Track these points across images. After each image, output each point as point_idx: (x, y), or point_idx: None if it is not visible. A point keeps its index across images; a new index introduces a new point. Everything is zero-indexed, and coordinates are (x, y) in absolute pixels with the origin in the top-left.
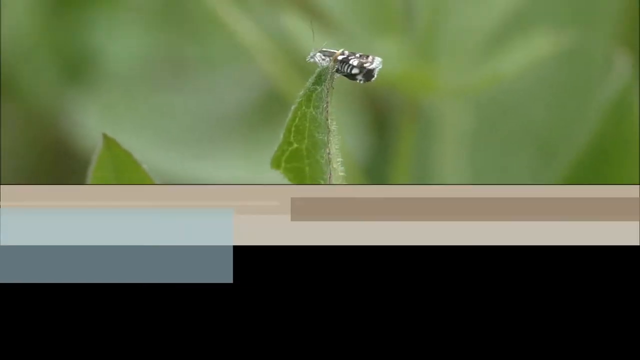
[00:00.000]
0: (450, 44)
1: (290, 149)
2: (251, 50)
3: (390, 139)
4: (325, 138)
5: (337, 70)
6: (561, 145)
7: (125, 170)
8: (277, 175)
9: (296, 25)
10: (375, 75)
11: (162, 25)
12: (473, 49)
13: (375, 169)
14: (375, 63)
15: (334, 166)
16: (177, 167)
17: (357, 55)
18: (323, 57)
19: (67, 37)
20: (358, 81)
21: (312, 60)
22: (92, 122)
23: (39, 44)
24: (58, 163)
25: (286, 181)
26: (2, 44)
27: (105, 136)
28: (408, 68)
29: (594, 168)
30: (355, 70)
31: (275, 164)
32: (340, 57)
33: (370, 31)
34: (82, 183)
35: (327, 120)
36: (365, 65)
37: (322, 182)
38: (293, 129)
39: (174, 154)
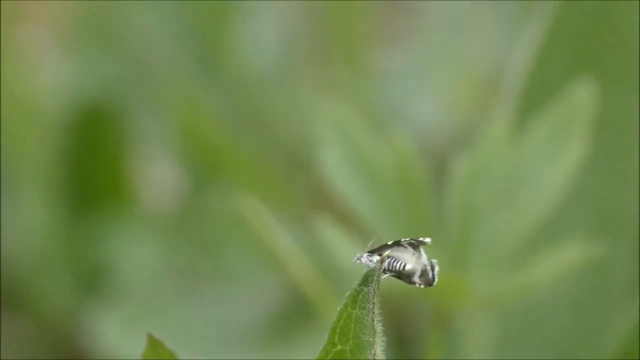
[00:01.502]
0: (482, 253)
1: (334, 349)
2: (279, 259)
3: (414, 350)
4: (371, 339)
5: (384, 272)
6: (585, 359)
7: None
8: None
9: (331, 233)
10: (436, 279)
11: (178, 236)
12: (504, 257)
13: None
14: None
15: None
16: None
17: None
18: (369, 257)
19: (83, 249)
20: (417, 285)
21: (358, 261)
22: (110, 335)
23: (54, 255)
24: None
25: None
26: (17, 256)
27: (150, 336)
28: (441, 276)
29: None
30: (407, 269)
31: None
32: (387, 259)
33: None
34: None
35: (373, 321)
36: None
37: None
38: (338, 329)
39: None
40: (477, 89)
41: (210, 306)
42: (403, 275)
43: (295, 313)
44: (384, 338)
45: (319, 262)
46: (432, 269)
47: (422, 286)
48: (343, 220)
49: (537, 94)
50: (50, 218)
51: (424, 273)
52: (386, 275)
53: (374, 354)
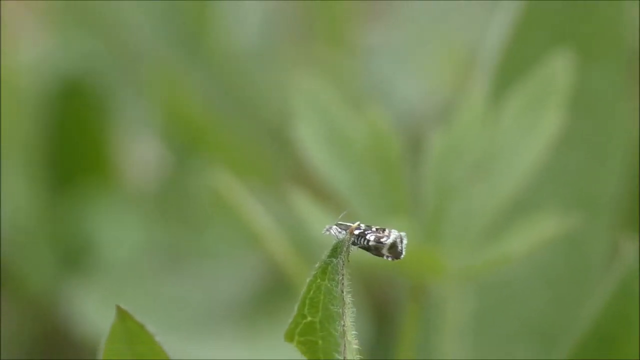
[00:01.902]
0: (457, 227)
1: (304, 321)
2: (257, 236)
3: (392, 323)
4: (340, 310)
5: (353, 243)
6: (561, 332)
7: (139, 343)
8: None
9: (304, 204)
10: (404, 252)
11: (159, 213)
12: (479, 232)
13: (378, 355)
14: (392, 237)
15: (349, 339)
16: (178, 352)
17: (374, 229)
18: (339, 230)
19: (64, 225)
20: (385, 258)
21: (327, 233)
22: (90, 310)
23: (35, 231)
24: (55, 352)
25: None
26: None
27: (119, 308)
28: (415, 250)
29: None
30: (372, 244)
31: (289, 337)
32: (356, 231)
33: (377, 213)
34: None
35: (342, 292)
36: (382, 240)
37: (336, 356)
38: (307, 301)
39: (176, 340)
40: (460, 67)
41: (191, 282)
42: (372, 248)
43: (276, 289)
44: (354, 309)
45: (297, 237)
46: (401, 242)
47: (389, 259)
48: (321, 196)
49: (514, 69)
50: (32, 195)
51: (393, 246)
52: (355, 248)
53: (343, 325)
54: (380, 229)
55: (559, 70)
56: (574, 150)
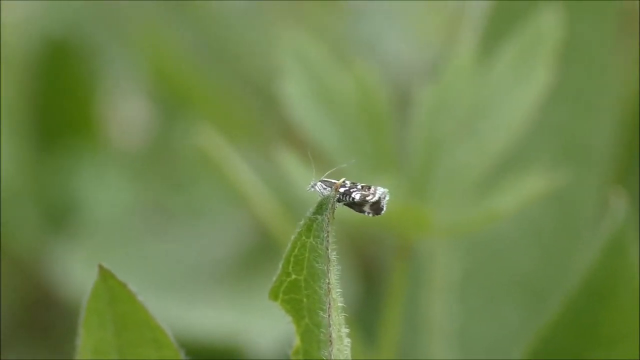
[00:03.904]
0: (445, 183)
1: (288, 279)
2: (243, 194)
3: (380, 281)
4: (325, 268)
5: (339, 200)
6: (551, 289)
7: (120, 302)
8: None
9: (290, 162)
10: (385, 208)
11: (146, 172)
12: (467, 188)
13: (364, 314)
14: (378, 194)
15: (334, 297)
16: (160, 311)
17: (359, 186)
18: (324, 187)
19: (51, 185)
20: (366, 214)
21: (312, 190)
22: (76, 270)
23: (22, 191)
24: (40, 312)
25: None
26: None
27: (101, 267)
28: (402, 207)
29: (585, 315)
30: (357, 202)
31: (273, 295)
32: (341, 189)
33: (365, 169)
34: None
35: (328, 250)
36: (367, 198)
37: (321, 314)
38: (292, 259)
39: (159, 299)
40: (449, 23)
41: (177, 241)
42: (356, 205)
43: (262, 248)
44: (339, 267)
45: (283, 196)
46: (384, 198)
47: (370, 215)
48: (307, 153)
49: (503, 23)
50: (18, 154)
51: (375, 202)
52: (340, 204)
53: (328, 283)
54: (365, 186)
55: (548, 23)
56: (564, 104)
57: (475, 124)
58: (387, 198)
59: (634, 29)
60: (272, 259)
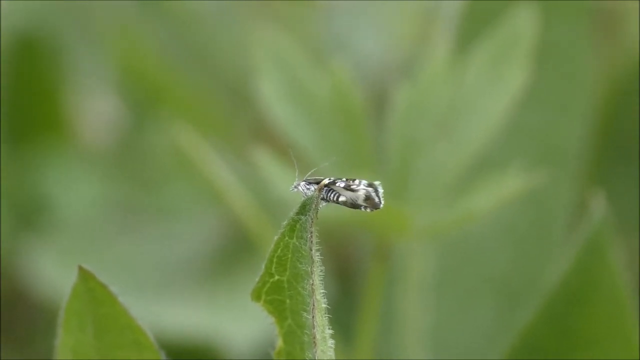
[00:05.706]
0: (421, 184)
1: (271, 280)
2: (219, 192)
3: (354, 281)
4: (309, 269)
5: (324, 199)
6: (526, 289)
7: (101, 304)
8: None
9: (267, 161)
10: (382, 202)
11: (117, 171)
12: (444, 188)
13: (340, 314)
14: (362, 186)
15: (317, 298)
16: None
17: (343, 179)
18: (307, 186)
19: (20, 183)
20: (363, 209)
21: (295, 190)
22: (47, 269)
23: None
24: (12, 311)
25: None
26: None
27: (81, 268)
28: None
29: (563, 316)
30: (341, 199)
31: (256, 296)
32: (324, 188)
33: (341, 169)
34: (38, 332)
35: (311, 250)
36: (352, 187)
37: (304, 315)
38: (275, 259)
39: (138, 300)
40: (422, 21)
41: (150, 241)
42: (348, 202)
43: (237, 248)
44: (322, 268)
45: (259, 195)
46: (376, 191)
47: (367, 210)
48: (283, 153)
49: (478, 23)
50: None
51: (369, 197)
52: (324, 204)
53: (312, 284)
54: (349, 179)
55: (523, 25)
56: (539, 105)
57: (451, 125)
58: (381, 190)
59: (616, 28)
60: (246, 257)
